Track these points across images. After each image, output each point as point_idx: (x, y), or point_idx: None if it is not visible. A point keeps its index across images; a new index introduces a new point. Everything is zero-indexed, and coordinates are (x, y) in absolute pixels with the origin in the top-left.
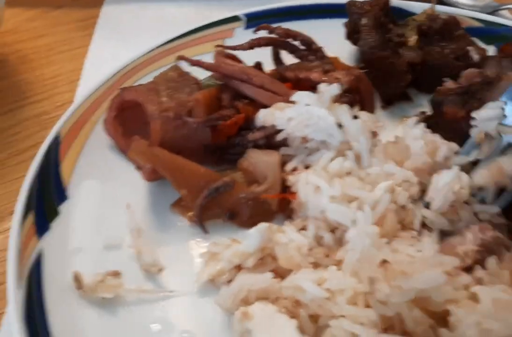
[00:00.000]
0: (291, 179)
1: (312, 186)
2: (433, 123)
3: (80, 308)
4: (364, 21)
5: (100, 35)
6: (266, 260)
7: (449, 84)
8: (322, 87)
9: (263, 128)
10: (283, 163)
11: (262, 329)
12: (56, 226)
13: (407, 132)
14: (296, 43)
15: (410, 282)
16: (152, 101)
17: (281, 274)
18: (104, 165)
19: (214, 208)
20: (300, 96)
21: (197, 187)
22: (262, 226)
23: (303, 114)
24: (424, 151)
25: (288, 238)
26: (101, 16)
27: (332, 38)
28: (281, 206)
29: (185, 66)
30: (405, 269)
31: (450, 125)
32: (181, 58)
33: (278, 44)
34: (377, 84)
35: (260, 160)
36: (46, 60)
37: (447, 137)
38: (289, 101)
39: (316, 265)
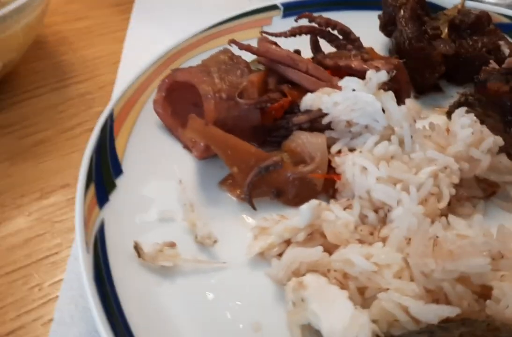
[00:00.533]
0: (337, 160)
1: (359, 167)
2: (475, 100)
3: (141, 274)
4: (401, 13)
5: (137, 19)
6: (315, 235)
7: (493, 64)
8: (369, 73)
9: (308, 111)
10: (328, 146)
11: (316, 298)
12: (114, 198)
13: (455, 119)
14: (335, 32)
15: (455, 264)
16: (205, 82)
17: (329, 249)
18: (154, 143)
19: (262, 186)
20: (348, 81)
21: (247, 165)
22: (313, 203)
23: (350, 99)
24: (470, 141)
25: (335, 215)
26: (136, 0)
27: (365, 29)
28: (326, 186)
29: (234, 49)
30: (453, 249)
31: (493, 101)
32: (232, 41)
33: (318, 32)
34: (412, 74)
35: (308, 141)
36: (86, 42)
37: (488, 113)
38: (332, 87)
39: (361, 242)
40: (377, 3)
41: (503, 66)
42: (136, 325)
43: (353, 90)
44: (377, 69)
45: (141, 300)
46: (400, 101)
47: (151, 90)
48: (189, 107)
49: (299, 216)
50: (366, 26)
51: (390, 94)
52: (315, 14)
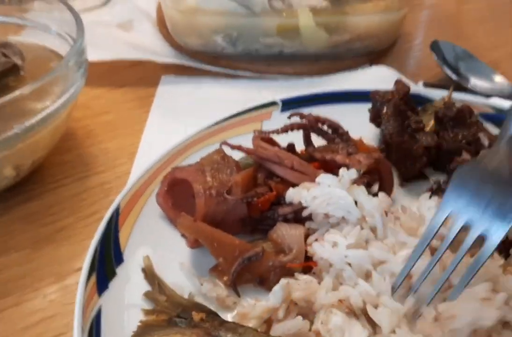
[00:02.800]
0: (309, 250)
1: (330, 243)
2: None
3: None
4: (385, 109)
5: (156, 113)
6: (291, 308)
7: (464, 156)
8: (342, 171)
9: (291, 204)
10: (307, 236)
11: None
12: (113, 285)
13: (422, 202)
14: (325, 127)
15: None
16: (198, 180)
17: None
18: (155, 233)
19: (246, 274)
20: (323, 178)
21: (232, 256)
22: (282, 282)
23: (326, 194)
24: None
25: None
26: (156, 95)
27: (359, 120)
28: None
29: (227, 148)
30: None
31: None
32: (224, 143)
33: (308, 128)
34: (396, 165)
35: (287, 233)
36: (110, 135)
37: None
38: (315, 181)
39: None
40: (367, 96)
41: (478, 157)
42: None
43: (330, 186)
44: (359, 162)
45: None
46: (383, 189)
47: (155, 185)
48: (188, 199)
49: (272, 296)
50: (360, 117)
51: (362, 188)
52: (308, 109)
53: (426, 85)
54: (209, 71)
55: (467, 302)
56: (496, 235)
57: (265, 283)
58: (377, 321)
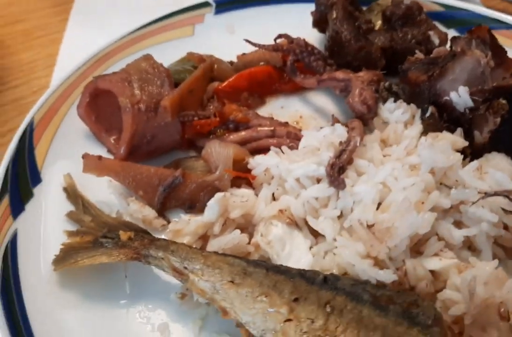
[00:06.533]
0: (251, 162)
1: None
2: (400, 89)
3: (51, 283)
4: (334, 14)
5: (75, 20)
6: (228, 224)
7: (418, 54)
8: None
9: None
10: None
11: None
12: (30, 207)
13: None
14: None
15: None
16: (125, 93)
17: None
18: (77, 149)
19: (172, 201)
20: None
21: (151, 186)
22: (218, 195)
23: None
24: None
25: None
26: (75, 1)
27: (298, 23)
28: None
29: (156, 56)
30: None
31: (413, 89)
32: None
33: (296, 53)
34: (354, 71)
35: (215, 151)
36: (23, 46)
37: (410, 101)
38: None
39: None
40: None
41: (431, 56)
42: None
43: None
44: (361, 78)
45: (47, 311)
46: None
47: (75, 96)
48: (114, 111)
49: (208, 211)
50: (298, 20)
51: None
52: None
53: None
54: None
55: (402, 214)
56: None
57: (195, 207)
58: (320, 231)
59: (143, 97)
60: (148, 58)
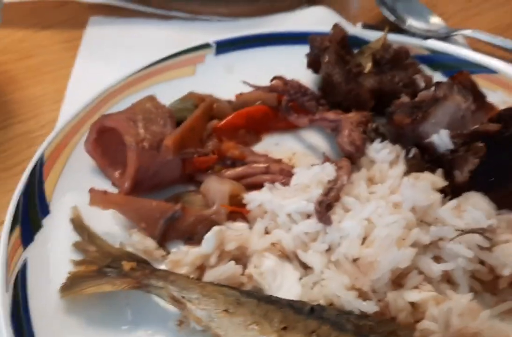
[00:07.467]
0: (246, 197)
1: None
2: (386, 130)
3: (59, 312)
4: (326, 58)
5: (83, 56)
6: (223, 256)
7: (403, 98)
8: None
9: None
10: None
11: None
12: (39, 237)
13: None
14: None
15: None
16: (130, 132)
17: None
18: (84, 182)
19: (172, 233)
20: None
21: (153, 219)
22: (215, 229)
23: None
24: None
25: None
26: (84, 38)
27: (295, 63)
28: None
29: (159, 94)
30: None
31: (398, 132)
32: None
33: (291, 94)
34: (346, 110)
35: (213, 187)
36: (33, 80)
37: (395, 142)
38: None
39: None
40: (304, 38)
41: (416, 99)
42: None
43: None
44: (351, 119)
45: (54, 335)
46: None
47: (83, 132)
48: (119, 147)
49: (205, 243)
50: (295, 61)
51: None
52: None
53: (365, 26)
54: (140, 11)
55: (385, 249)
56: None
57: (194, 238)
58: (308, 263)
59: (147, 136)
60: (152, 98)
